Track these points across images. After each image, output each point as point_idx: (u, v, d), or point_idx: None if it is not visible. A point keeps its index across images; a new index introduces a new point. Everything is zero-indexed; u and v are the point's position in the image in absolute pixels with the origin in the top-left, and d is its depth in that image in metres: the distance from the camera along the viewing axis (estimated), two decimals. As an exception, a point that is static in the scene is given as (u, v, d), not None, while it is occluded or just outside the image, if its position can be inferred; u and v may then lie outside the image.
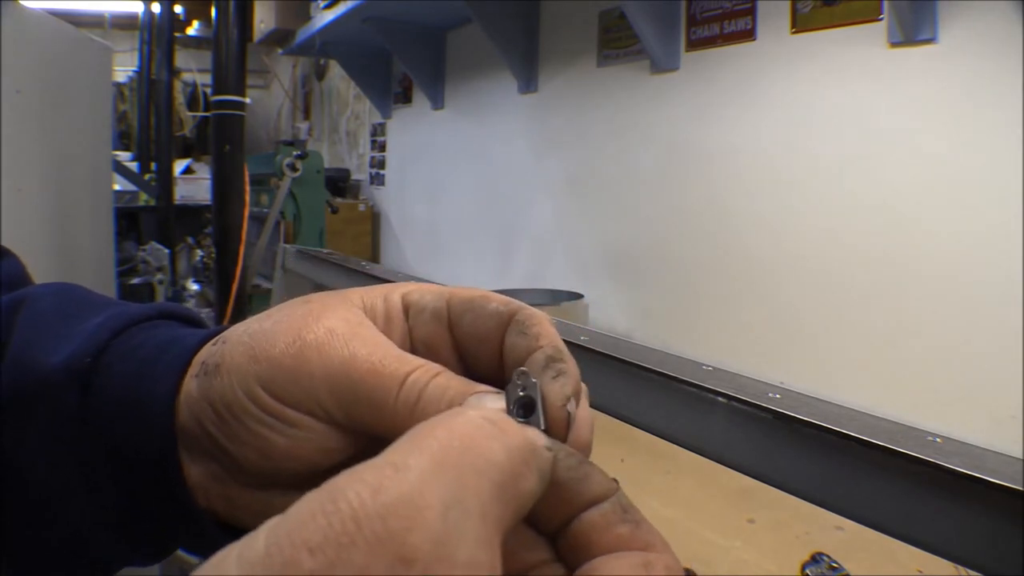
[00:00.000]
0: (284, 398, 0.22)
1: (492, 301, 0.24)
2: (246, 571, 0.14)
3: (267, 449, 0.23)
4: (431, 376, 0.22)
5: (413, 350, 0.25)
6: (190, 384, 0.24)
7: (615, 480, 0.20)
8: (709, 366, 0.91)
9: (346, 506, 0.14)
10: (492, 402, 0.21)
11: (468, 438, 0.16)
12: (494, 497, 0.16)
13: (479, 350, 0.24)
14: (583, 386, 0.24)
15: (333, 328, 0.23)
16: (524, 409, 0.21)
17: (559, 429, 0.21)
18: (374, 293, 0.25)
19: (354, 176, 4.94)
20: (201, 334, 0.26)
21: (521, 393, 0.21)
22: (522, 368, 0.22)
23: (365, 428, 0.22)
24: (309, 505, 0.15)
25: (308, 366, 0.22)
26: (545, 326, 0.23)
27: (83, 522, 0.24)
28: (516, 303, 0.24)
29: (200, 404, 0.23)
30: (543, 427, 0.21)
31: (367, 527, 0.14)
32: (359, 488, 0.15)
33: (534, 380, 0.21)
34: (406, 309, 0.25)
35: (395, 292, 0.26)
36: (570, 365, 0.22)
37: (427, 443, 0.16)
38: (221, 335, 0.25)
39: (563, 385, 0.21)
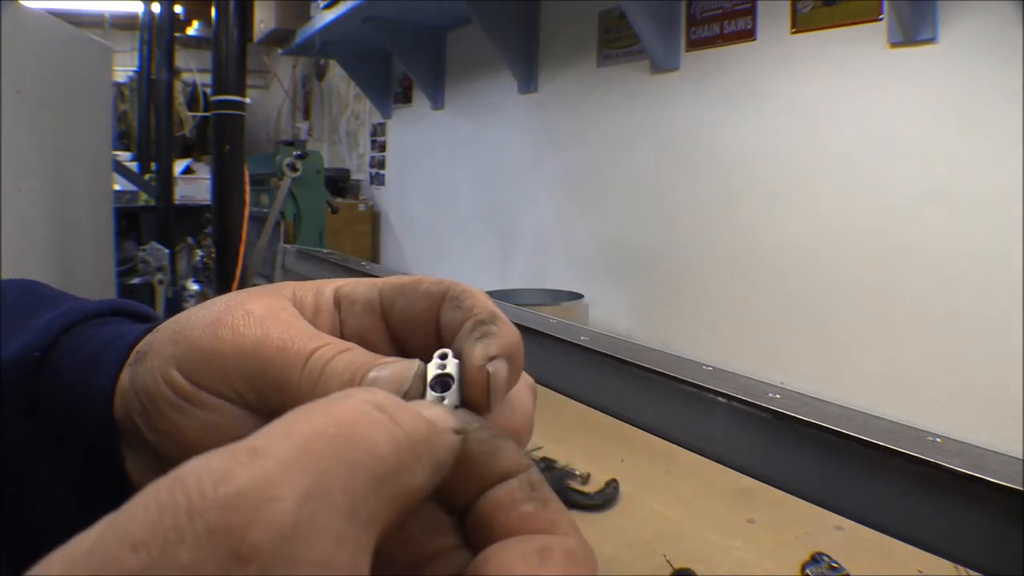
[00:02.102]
0: (198, 380, 0.22)
1: (423, 283, 0.23)
2: (67, 571, 0.13)
3: (178, 437, 0.22)
4: (337, 351, 0.21)
5: None
6: (124, 375, 0.24)
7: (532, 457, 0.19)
8: (709, 366, 0.91)
9: (182, 497, 0.13)
10: (398, 370, 0.20)
11: (348, 425, 0.15)
12: (368, 493, 0.15)
13: (415, 332, 0.23)
14: (528, 379, 0.22)
15: (251, 310, 0.22)
16: (441, 386, 0.20)
17: (478, 392, 0.19)
18: (306, 287, 0.25)
19: (354, 176, 4.95)
20: (144, 328, 0.26)
21: (439, 372, 0.20)
22: (443, 349, 0.21)
23: (275, 410, 0.21)
24: (146, 496, 0.13)
25: (222, 346, 0.22)
26: (479, 298, 0.22)
27: (51, 517, 0.24)
28: (448, 281, 0.23)
29: (129, 394, 0.23)
30: (458, 402, 0.19)
31: (200, 521, 0.13)
32: (202, 475, 0.13)
33: (455, 359, 0.20)
34: (337, 303, 0.25)
35: (328, 286, 0.25)
36: (502, 328, 0.21)
37: (298, 428, 0.15)
38: (158, 325, 0.25)
39: (485, 345, 0.20)
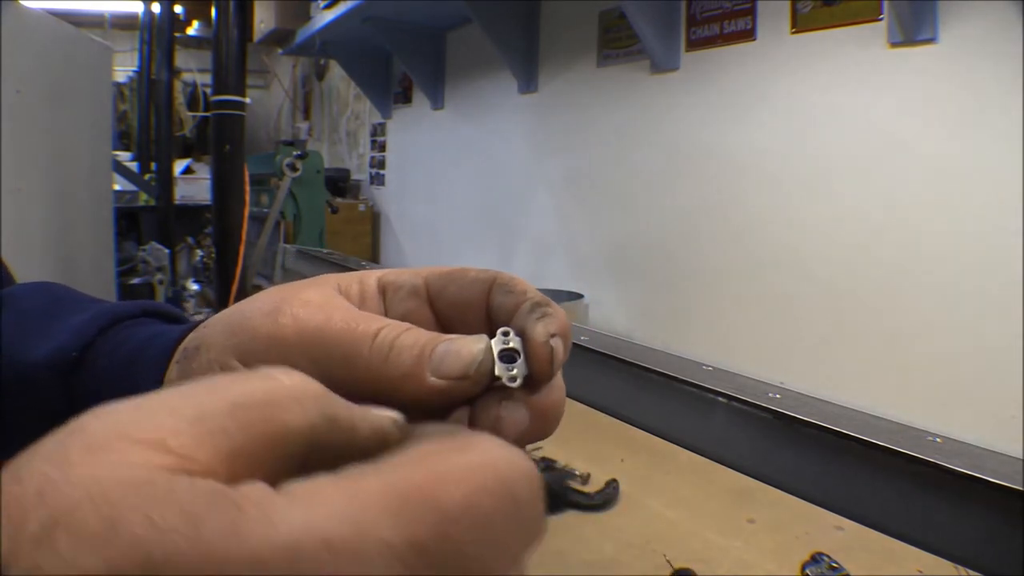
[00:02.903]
0: (259, 367, 0.22)
1: (470, 271, 0.25)
2: None
3: None
4: (402, 330, 0.22)
5: None
6: (172, 371, 0.24)
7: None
8: (709, 366, 0.91)
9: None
10: (467, 344, 0.21)
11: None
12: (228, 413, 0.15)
13: (464, 317, 0.25)
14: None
15: (309, 299, 0.23)
16: (508, 359, 0.22)
17: (543, 363, 0.22)
18: (349, 278, 0.26)
19: (354, 176, 4.94)
20: (184, 327, 0.26)
21: (504, 346, 0.22)
22: (504, 328, 0.23)
23: (341, 387, 0.21)
24: None
25: (283, 331, 0.22)
26: (527, 285, 0.24)
27: None
28: (492, 270, 0.25)
29: None
30: (526, 372, 0.22)
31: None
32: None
33: (517, 335, 0.22)
34: (382, 290, 0.26)
35: (371, 276, 0.26)
36: (556, 310, 0.23)
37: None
38: (204, 322, 0.25)
39: (547, 324, 0.22)
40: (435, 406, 0.22)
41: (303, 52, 4.48)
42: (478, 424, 0.22)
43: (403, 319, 0.25)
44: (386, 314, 0.25)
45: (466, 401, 0.22)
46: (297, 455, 0.16)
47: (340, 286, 0.25)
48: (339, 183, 4.74)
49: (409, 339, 0.22)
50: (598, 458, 0.81)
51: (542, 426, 0.22)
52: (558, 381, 0.23)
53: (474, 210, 3.60)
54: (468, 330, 0.24)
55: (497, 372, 0.21)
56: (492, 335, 0.23)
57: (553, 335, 0.22)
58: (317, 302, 0.23)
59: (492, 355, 0.21)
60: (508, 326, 0.23)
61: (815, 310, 1.96)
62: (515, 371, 0.22)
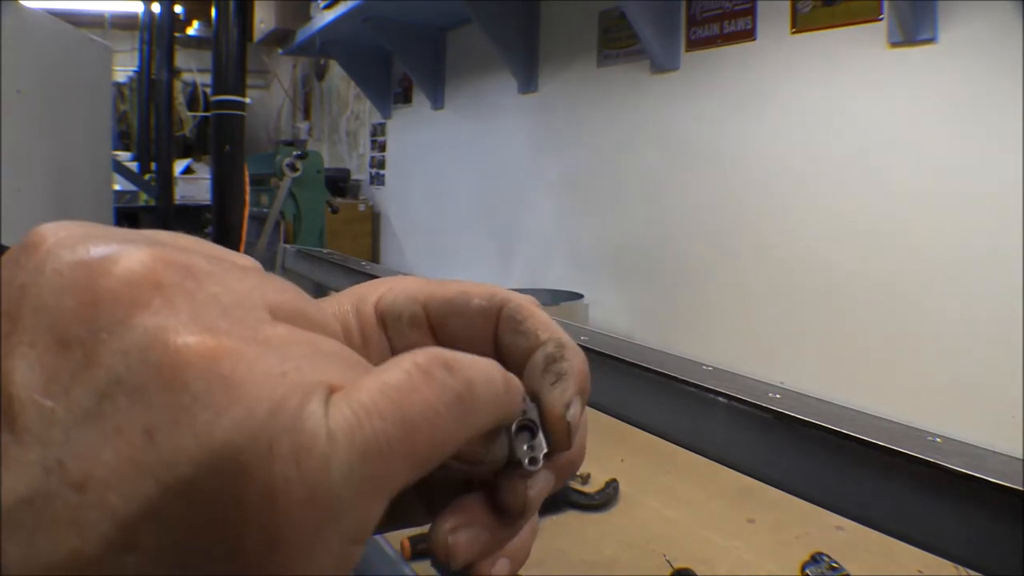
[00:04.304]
0: None
1: (473, 297, 0.22)
2: None
3: None
4: None
5: None
6: None
7: None
8: (709, 366, 0.91)
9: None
10: None
11: None
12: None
13: (471, 350, 0.22)
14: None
15: None
16: (529, 433, 0.20)
17: (561, 438, 0.20)
18: (345, 305, 0.24)
19: (354, 176, 4.94)
20: None
21: (521, 419, 0.20)
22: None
23: None
24: None
25: None
26: (539, 317, 0.22)
27: None
28: (500, 294, 0.22)
29: None
30: (546, 448, 0.20)
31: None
32: None
33: (532, 403, 0.20)
34: (382, 319, 0.23)
35: (367, 302, 0.24)
36: (572, 361, 0.21)
37: None
38: None
39: (563, 391, 0.20)
40: (450, 484, 0.20)
41: (303, 52, 4.48)
42: (504, 497, 0.20)
43: (407, 350, 0.23)
44: (391, 346, 0.23)
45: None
46: None
47: (338, 317, 0.23)
48: (339, 183, 4.74)
49: None
50: (598, 458, 0.81)
51: (567, 475, 0.22)
52: (582, 425, 0.22)
53: (474, 210, 3.60)
54: None
55: (517, 456, 0.20)
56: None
57: (569, 403, 0.20)
58: None
59: (509, 434, 0.20)
60: (519, 374, 0.20)
61: (815, 309, 1.96)
62: (535, 452, 0.20)
